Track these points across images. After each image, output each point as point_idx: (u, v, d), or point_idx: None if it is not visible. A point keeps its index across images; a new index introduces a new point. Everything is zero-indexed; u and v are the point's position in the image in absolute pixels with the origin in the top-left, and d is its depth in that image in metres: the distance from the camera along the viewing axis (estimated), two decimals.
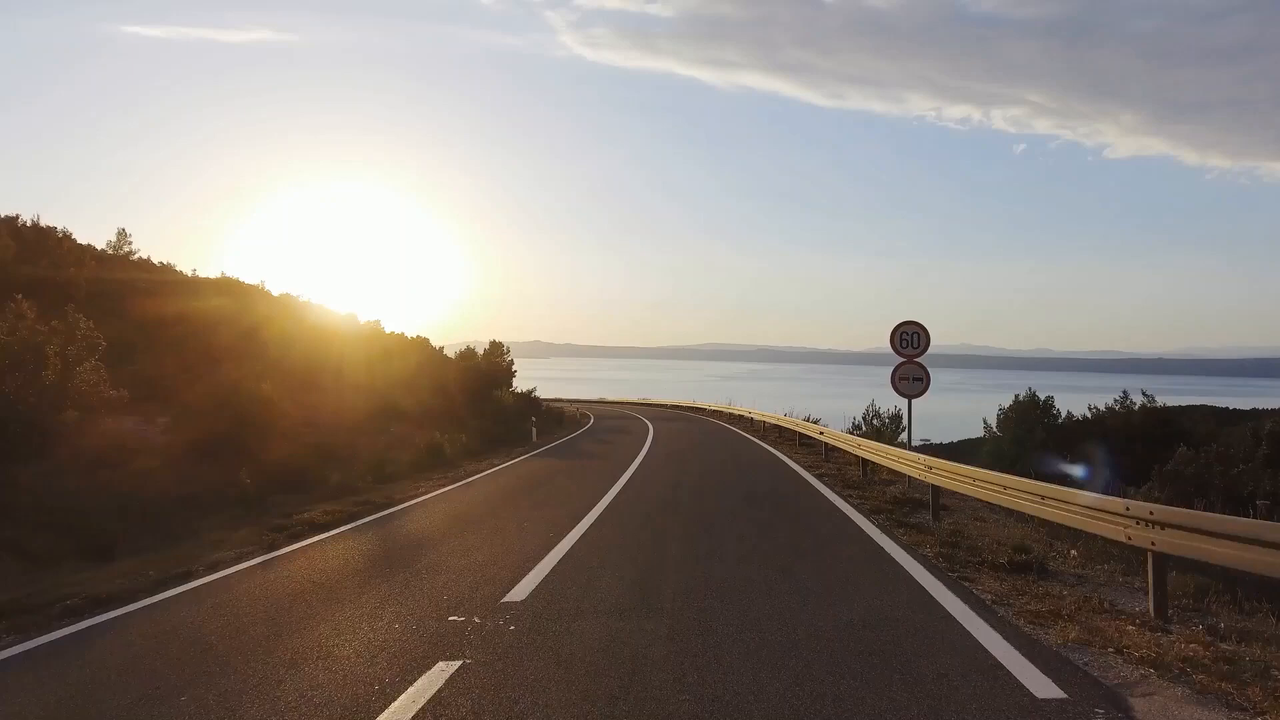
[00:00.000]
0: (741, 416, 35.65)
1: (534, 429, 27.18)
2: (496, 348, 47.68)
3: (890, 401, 31.39)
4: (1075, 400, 35.79)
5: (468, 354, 44.13)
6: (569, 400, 66.14)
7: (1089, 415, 37.12)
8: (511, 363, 47.78)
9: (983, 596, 6.00)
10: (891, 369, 12.38)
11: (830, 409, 33.27)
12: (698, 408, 49.27)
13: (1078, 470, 20.69)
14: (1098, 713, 3.88)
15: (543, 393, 61.56)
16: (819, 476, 14.32)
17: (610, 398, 72.29)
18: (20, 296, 13.31)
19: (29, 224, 26.26)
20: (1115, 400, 37.70)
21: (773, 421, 27.50)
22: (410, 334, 40.04)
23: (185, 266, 31.51)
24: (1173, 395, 34.65)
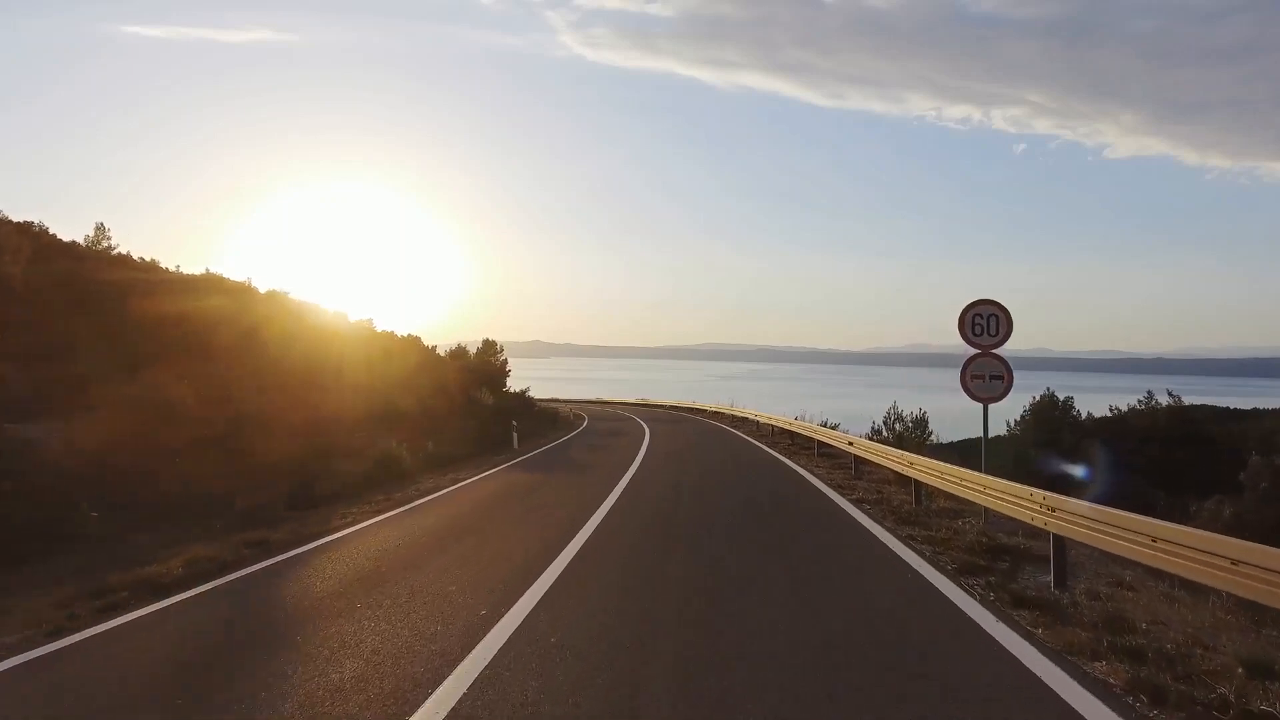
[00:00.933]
0: (746, 419, 32.56)
1: (515, 435, 24.07)
2: (490, 346, 45.10)
3: (913, 404, 28.32)
4: (1080, 400, 33.98)
5: (459, 353, 41.34)
6: (565, 401, 63.67)
7: (1110, 415, 34.70)
8: (505, 362, 45.32)
9: None
10: (962, 363, 9.28)
11: (832, 409, 31.30)
12: (698, 409, 46.21)
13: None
14: None
15: (540, 393, 59.34)
16: (856, 502, 11.18)
17: (608, 398, 69.38)
18: None
19: None
20: (1140, 400, 35.13)
21: (783, 426, 24.39)
22: (403, 333, 37.47)
23: (172, 263, 29.03)
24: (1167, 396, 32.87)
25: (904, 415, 26.74)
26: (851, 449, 14.55)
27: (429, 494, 13.44)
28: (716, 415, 40.02)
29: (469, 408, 27.66)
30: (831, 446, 17.76)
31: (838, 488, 12.73)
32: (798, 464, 16.91)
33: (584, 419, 41.00)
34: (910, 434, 25.36)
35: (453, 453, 20.71)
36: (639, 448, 21.52)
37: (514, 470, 17.25)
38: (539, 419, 36.65)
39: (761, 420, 28.89)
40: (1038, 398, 33.14)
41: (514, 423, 24.38)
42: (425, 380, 28.66)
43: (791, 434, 22.73)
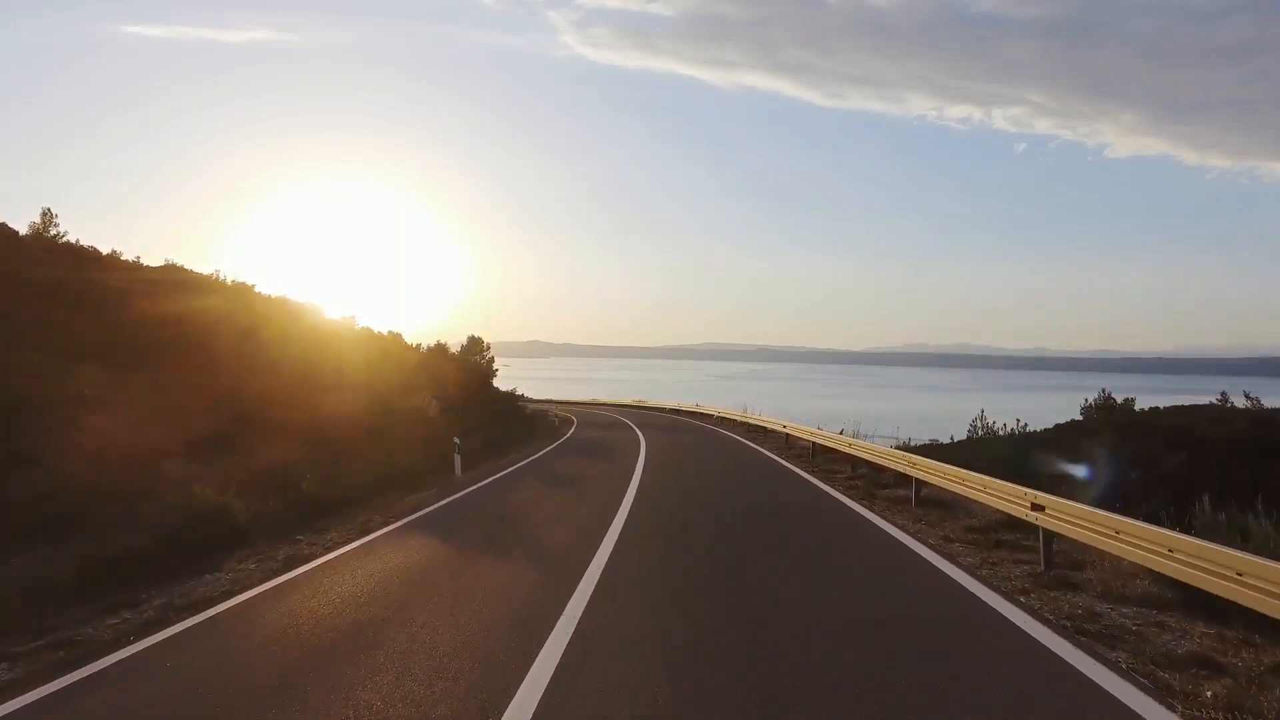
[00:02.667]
0: (768, 430, 25.76)
1: (457, 457, 17.29)
2: (475, 344, 39.52)
3: (916, 404, 21.84)
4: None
5: (438, 350, 35.37)
6: (559, 402, 58.16)
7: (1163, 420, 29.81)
8: (492, 360, 39.83)
9: None
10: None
11: (836, 409, 27.01)
12: (702, 413, 39.39)
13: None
14: None
15: (536, 394, 53.80)
16: (1164, 697, 4.30)
17: (604, 399, 62.84)
18: None
19: None
20: (1216, 400, 29.88)
21: (838, 447, 17.45)
22: (384, 331, 31.73)
23: (153, 259, 24.89)
24: (1174, 395, 30.02)
25: (992, 426, 19.83)
26: (1040, 519, 7.56)
27: (207, 608, 6.55)
28: (725, 422, 33.26)
29: (413, 417, 21.01)
30: (934, 486, 10.86)
31: (1074, 634, 5.78)
32: (884, 516, 10.00)
33: (571, 425, 34.42)
34: (1001, 453, 18.46)
35: (352, 485, 13.90)
36: (627, 482, 14.70)
37: (407, 538, 10.19)
38: (518, 424, 30.70)
39: (792, 434, 22.03)
40: (1090, 400, 27.60)
41: (456, 441, 17.53)
42: (401, 381, 23.71)
43: (853, 459, 15.83)
